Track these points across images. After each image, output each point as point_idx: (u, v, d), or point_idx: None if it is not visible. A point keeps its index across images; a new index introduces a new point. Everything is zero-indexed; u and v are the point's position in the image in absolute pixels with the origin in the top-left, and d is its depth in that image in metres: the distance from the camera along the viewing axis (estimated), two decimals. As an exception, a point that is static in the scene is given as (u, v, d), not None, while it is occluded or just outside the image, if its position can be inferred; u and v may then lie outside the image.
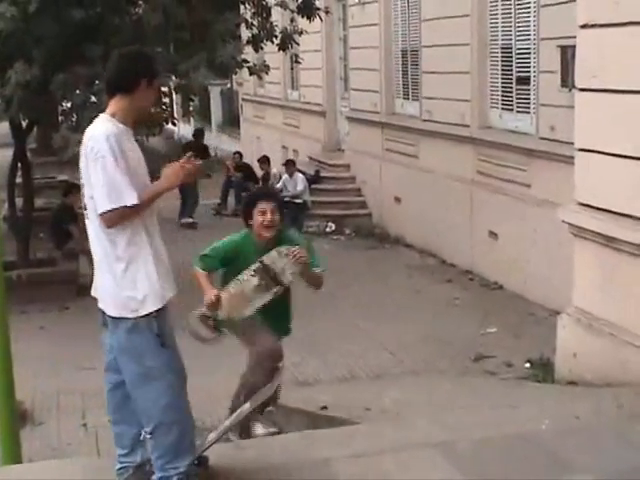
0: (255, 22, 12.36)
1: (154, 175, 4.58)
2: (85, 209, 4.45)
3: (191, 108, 13.25)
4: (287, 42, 12.67)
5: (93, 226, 4.42)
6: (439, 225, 12.70)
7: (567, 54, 9.32)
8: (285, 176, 16.15)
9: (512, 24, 10.95)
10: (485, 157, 11.53)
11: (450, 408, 6.35)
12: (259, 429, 5.91)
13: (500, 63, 11.34)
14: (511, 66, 11.04)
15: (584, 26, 6.62)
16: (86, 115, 9.52)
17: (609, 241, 6.47)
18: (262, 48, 12.66)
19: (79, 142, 4.52)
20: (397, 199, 14.47)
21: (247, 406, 5.38)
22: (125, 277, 4.36)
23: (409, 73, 14.16)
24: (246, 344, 6.05)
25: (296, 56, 14.62)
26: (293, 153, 19.35)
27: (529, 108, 10.67)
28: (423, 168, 13.34)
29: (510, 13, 10.96)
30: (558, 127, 9.61)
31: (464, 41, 11.78)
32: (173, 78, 11.74)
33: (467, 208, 12.00)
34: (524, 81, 10.78)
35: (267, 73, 13.33)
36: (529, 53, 10.59)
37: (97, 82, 9.94)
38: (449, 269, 12.30)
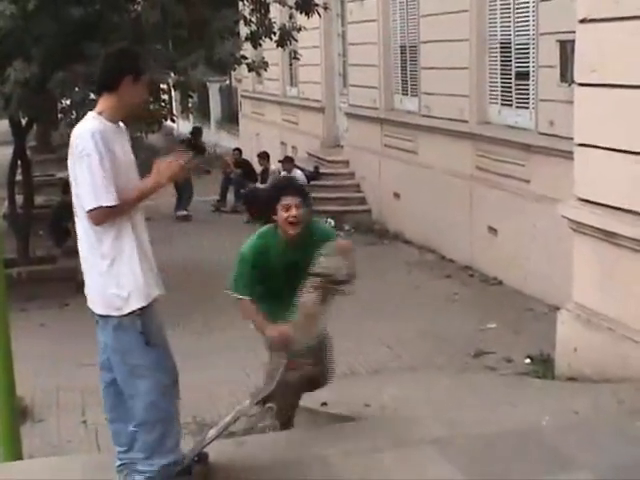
0: (253, 19, 12.35)
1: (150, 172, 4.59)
2: (74, 207, 4.47)
3: (190, 105, 13.24)
4: (286, 38, 12.66)
5: (81, 224, 4.45)
6: (438, 221, 12.70)
7: (566, 49, 9.31)
8: (283, 173, 16.16)
9: (511, 19, 10.94)
10: (484, 152, 11.53)
11: (449, 404, 6.35)
12: None
13: (499, 58, 11.33)
14: (510, 61, 11.03)
15: (583, 21, 6.62)
16: (85, 113, 9.51)
17: (609, 236, 6.47)
18: (261, 45, 12.65)
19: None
20: (396, 195, 14.47)
21: (247, 403, 5.38)
22: (110, 275, 4.38)
23: (408, 69, 14.16)
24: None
25: (295, 52, 14.60)
26: (292, 149, 19.35)
27: (528, 103, 10.66)
28: (422, 164, 13.34)
29: (509, 8, 10.96)
30: (557, 122, 9.61)
31: (463, 37, 11.77)
32: (172, 75, 11.74)
33: (466, 204, 11.99)
34: (523, 76, 10.77)
35: (266, 70, 13.34)
36: (528, 48, 10.58)
37: (96, 80, 9.94)
38: (448, 265, 12.30)
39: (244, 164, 18.54)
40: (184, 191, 16.96)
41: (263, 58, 13.45)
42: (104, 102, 4.50)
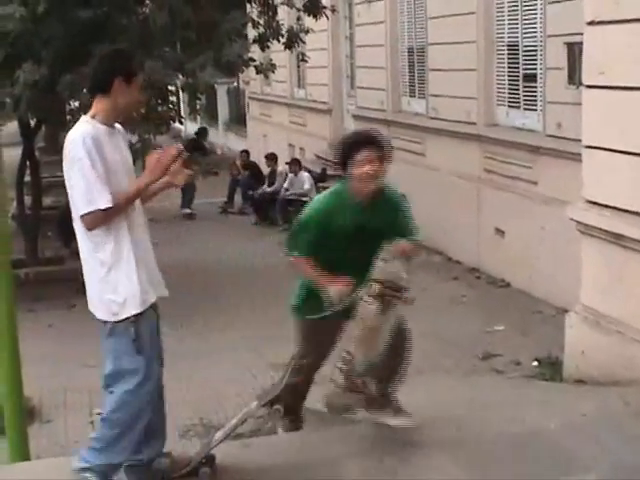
0: (261, 21, 12.37)
1: None
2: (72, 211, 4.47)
3: (198, 107, 13.28)
4: (293, 41, 12.68)
5: (77, 228, 4.44)
6: (445, 222, 12.68)
7: (574, 51, 9.30)
8: (290, 175, 16.20)
9: (518, 21, 10.92)
10: (492, 154, 11.51)
11: (457, 407, 6.34)
12: (391, 420, 5.21)
13: (507, 60, 11.31)
14: (518, 63, 11.02)
15: (591, 23, 6.61)
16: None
17: (617, 238, 6.46)
18: (268, 47, 12.68)
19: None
20: (403, 196, 14.43)
21: (254, 405, 5.38)
22: (107, 281, 4.39)
23: (415, 71, 14.15)
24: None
25: (302, 54, 14.62)
26: (300, 151, 19.36)
27: (536, 105, 10.65)
28: (430, 166, 13.33)
29: (516, 10, 10.95)
30: (565, 124, 9.59)
31: (470, 38, 11.77)
32: (180, 77, 11.77)
33: (474, 205, 11.98)
34: (531, 78, 10.76)
35: (273, 72, 13.36)
36: (536, 50, 10.56)
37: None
38: (455, 267, 12.29)
39: (252, 166, 18.57)
40: (186, 190, 17.13)
41: (271, 60, 13.48)
42: (97, 105, 4.48)
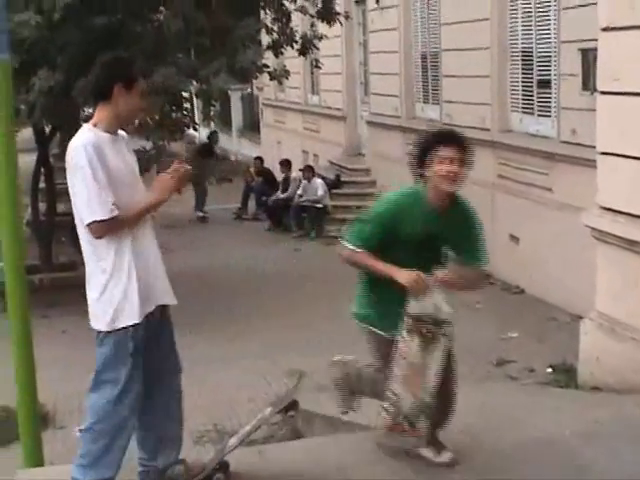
0: (275, 27, 12.40)
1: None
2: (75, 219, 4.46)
3: (212, 113, 13.28)
4: (307, 47, 12.70)
5: (81, 234, 4.44)
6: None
7: (588, 57, 9.28)
8: (304, 181, 16.22)
9: (532, 27, 10.91)
10: (506, 161, 11.49)
11: (470, 413, 6.32)
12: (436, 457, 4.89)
13: (520, 66, 11.30)
14: (532, 69, 11.01)
15: (605, 29, 6.59)
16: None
17: (631, 245, 6.43)
18: (282, 53, 12.70)
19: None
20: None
21: (269, 410, 5.38)
22: (107, 289, 4.37)
23: (429, 77, 14.15)
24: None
25: (316, 61, 14.63)
26: (313, 157, 19.37)
27: (550, 111, 10.63)
28: (444, 172, 13.30)
29: (530, 16, 10.93)
30: (579, 130, 9.57)
31: (484, 45, 11.75)
32: (194, 83, 11.80)
33: (488, 212, 11.93)
34: (545, 84, 10.74)
35: (287, 78, 13.37)
36: (550, 56, 10.55)
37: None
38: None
39: (265, 173, 18.60)
40: (198, 193, 17.64)
41: (285, 66, 13.49)
42: (99, 112, 4.45)
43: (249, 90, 25.86)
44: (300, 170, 16.94)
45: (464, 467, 4.94)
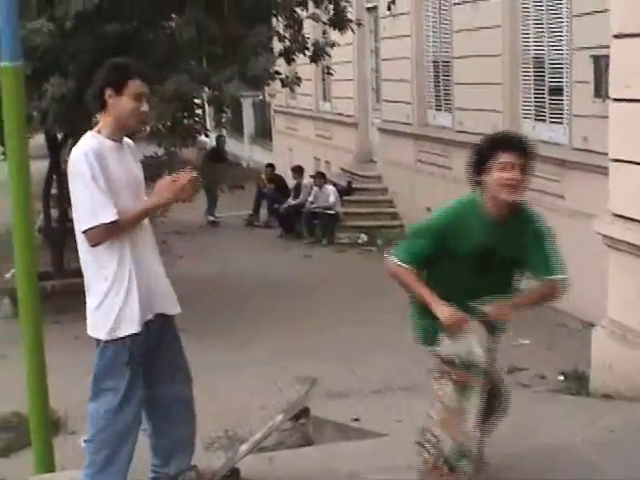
0: (287, 34, 12.41)
1: None
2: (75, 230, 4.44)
3: (223, 120, 13.30)
4: (319, 54, 12.72)
5: (80, 243, 4.41)
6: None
7: (600, 64, 9.26)
8: (315, 188, 16.23)
9: (544, 34, 10.90)
10: (518, 168, 11.47)
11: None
12: None
13: (532, 74, 11.29)
14: (544, 77, 11.00)
15: (617, 36, 6.59)
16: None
17: (643, 252, 6.42)
18: (294, 60, 12.71)
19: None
20: (429, 210, 14.42)
21: (280, 417, 5.38)
22: (107, 299, 4.36)
23: (441, 84, 14.15)
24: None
25: (328, 68, 14.66)
26: (325, 164, 19.38)
27: (562, 119, 10.61)
28: (456, 179, 13.27)
29: (542, 23, 10.92)
30: (591, 138, 9.55)
31: (496, 52, 11.75)
32: (206, 90, 11.82)
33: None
34: (557, 92, 10.73)
35: (299, 85, 13.39)
36: (562, 63, 10.54)
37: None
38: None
39: (277, 179, 18.62)
40: (210, 198, 17.81)
41: (296, 73, 13.50)
42: (101, 119, 4.47)
43: (261, 97, 25.89)
44: (311, 177, 16.96)
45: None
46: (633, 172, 6.50)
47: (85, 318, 4.51)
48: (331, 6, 12.57)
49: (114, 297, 4.34)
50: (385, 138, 16.74)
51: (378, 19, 16.77)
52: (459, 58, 13.13)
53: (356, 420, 6.45)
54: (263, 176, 18.94)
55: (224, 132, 21.54)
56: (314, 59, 12.78)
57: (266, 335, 10.14)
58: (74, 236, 4.45)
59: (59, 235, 12.82)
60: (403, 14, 15.17)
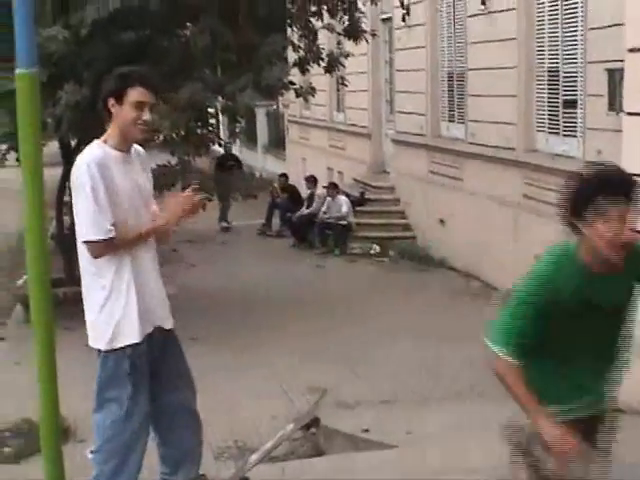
0: (302, 44, 12.43)
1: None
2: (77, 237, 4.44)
3: (237, 129, 13.31)
4: (333, 64, 12.73)
5: (80, 251, 4.43)
6: (484, 248, 12.62)
7: (615, 77, 9.25)
8: (328, 199, 16.25)
9: (559, 47, 10.89)
10: (531, 180, 11.45)
11: (494, 434, 6.28)
12: None
13: (547, 86, 11.28)
14: (558, 89, 10.98)
15: (632, 49, 6.57)
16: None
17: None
18: (308, 70, 12.73)
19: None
20: (442, 222, 14.41)
21: (291, 427, 5.37)
22: (105, 308, 4.35)
23: (455, 96, 14.14)
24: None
25: (342, 78, 14.67)
26: (338, 175, 19.39)
27: (576, 132, 10.59)
28: (468, 191, 13.29)
29: (557, 36, 10.92)
30: (605, 151, 9.52)
31: (510, 64, 11.74)
32: (220, 99, 11.84)
33: (512, 231, 11.91)
34: (571, 104, 10.71)
35: (313, 95, 13.39)
36: (576, 76, 10.52)
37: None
38: (494, 292, 12.20)
39: (290, 189, 18.65)
40: (223, 204, 18.01)
41: (311, 84, 13.52)
42: (109, 129, 4.46)
43: (275, 107, 25.95)
44: (324, 187, 16.97)
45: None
46: (647, 186, 6.47)
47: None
48: (346, 17, 12.58)
49: (112, 306, 4.33)
50: (398, 149, 16.74)
51: (393, 30, 16.78)
52: (473, 70, 13.13)
53: (366, 431, 6.44)
54: (276, 185, 18.97)
55: (238, 144, 21.67)
56: (328, 69, 12.79)
57: (277, 345, 10.13)
58: (84, 244, 4.44)
59: (71, 242, 12.77)
60: (418, 25, 15.19)
